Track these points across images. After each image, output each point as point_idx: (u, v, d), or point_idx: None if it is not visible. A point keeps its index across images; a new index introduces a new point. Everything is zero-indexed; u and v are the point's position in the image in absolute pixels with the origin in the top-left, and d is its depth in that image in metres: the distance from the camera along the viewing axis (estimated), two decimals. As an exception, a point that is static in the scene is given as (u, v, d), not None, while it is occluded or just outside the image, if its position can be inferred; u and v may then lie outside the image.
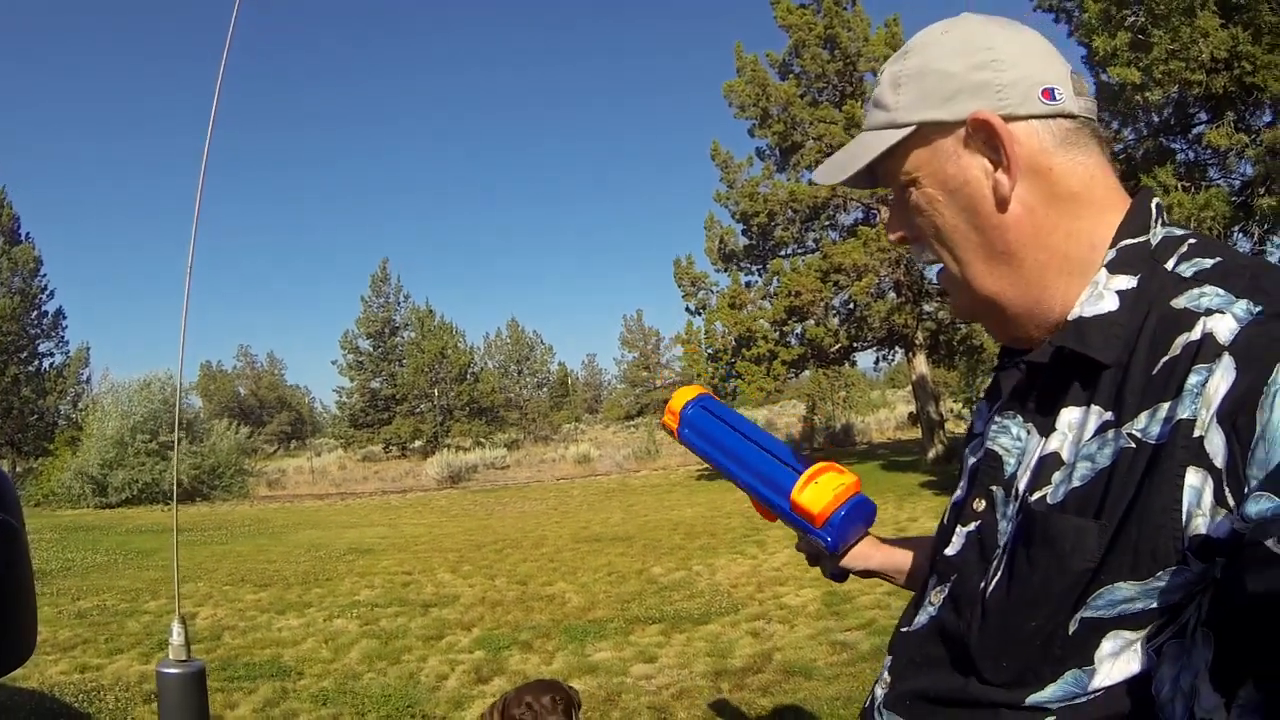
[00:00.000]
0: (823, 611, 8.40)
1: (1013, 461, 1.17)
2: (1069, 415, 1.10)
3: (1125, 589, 0.99)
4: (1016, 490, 1.14)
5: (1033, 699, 1.06)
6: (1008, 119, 1.12)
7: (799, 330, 21.11)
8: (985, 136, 1.13)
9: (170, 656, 1.28)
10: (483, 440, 48.13)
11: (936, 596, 1.24)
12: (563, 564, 12.29)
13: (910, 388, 23.02)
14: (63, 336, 38.50)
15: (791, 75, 22.04)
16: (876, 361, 23.58)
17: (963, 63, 1.15)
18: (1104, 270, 1.11)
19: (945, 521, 1.29)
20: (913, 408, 22.68)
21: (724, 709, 6.13)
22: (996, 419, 1.22)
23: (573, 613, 9.34)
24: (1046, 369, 1.13)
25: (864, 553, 1.64)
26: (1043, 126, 1.13)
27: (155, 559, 14.34)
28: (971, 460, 1.29)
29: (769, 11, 21.87)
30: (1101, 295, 1.10)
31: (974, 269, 1.16)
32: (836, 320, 21.49)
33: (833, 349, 21.10)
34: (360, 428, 51.88)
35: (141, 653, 8.42)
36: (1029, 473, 1.13)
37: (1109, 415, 1.04)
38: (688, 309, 23.41)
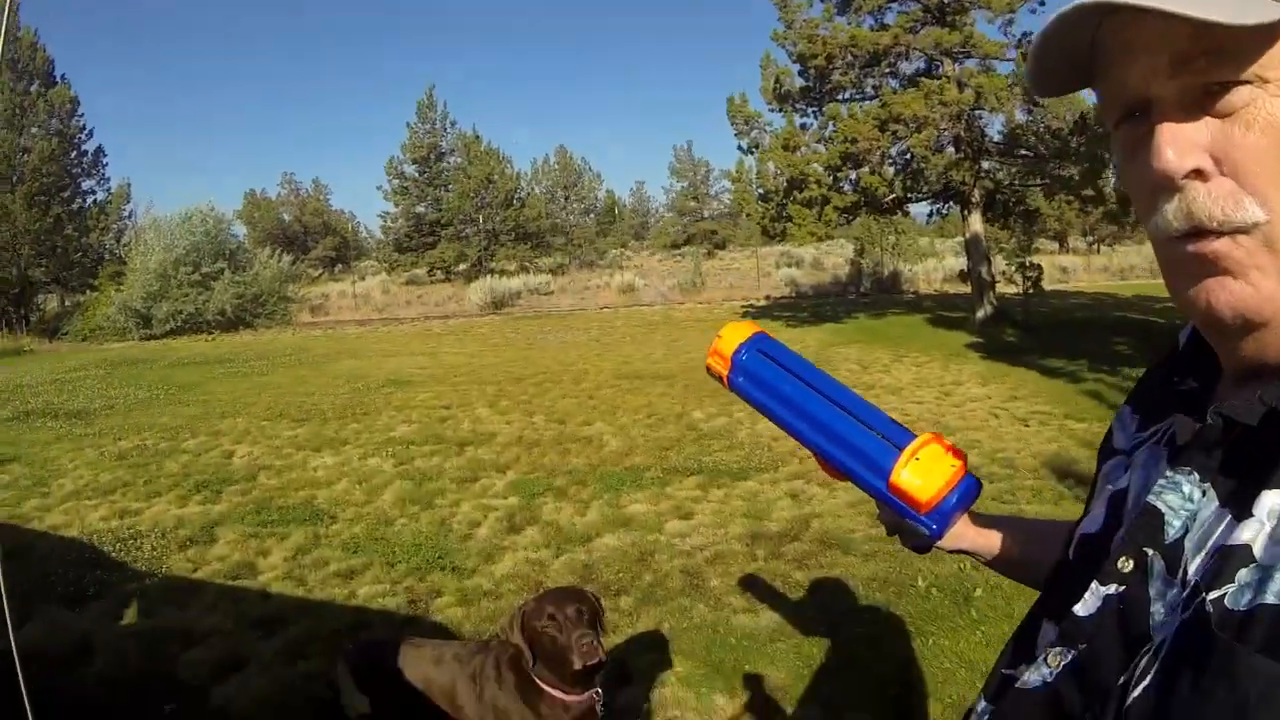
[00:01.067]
0: (865, 479, 8.22)
1: (1177, 524, 0.90)
2: (1271, 501, 0.81)
3: None
4: (1184, 572, 0.87)
5: None
6: None
7: (853, 177, 20.59)
8: None
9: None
10: (527, 265, 48.10)
11: (1055, 659, 0.98)
12: (602, 402, 12.27)
13: (962, 241, 22.53)
14: (104, 174, 38.86)
15: (857, -88, 20.96)
16: (930, 215, 23.16)
17: None
18: None
19: (1071, 557, 1.04)
20: (963, 263, 22.21)
21: (757, 581, 6.03)
22: (1168, 473, 0.94)
23: (610, 458, 9.28)
24: (1248, 431, 0.85)
25: (957, 532, 1.38)
26: None
27: (196, 393, 14.49)
28: (1110, 488, 1.04)
29: None
30: None
31: None
32: (892, 170, 20.95)
33: (887, 199, 20.63)
34: (404, 252, 51.89)
35: (179, 495, 8.50)
36: (1204, 556, 0.85)
37: None
38: (740, 147, 22.92)
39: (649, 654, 4.98)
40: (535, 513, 7.62)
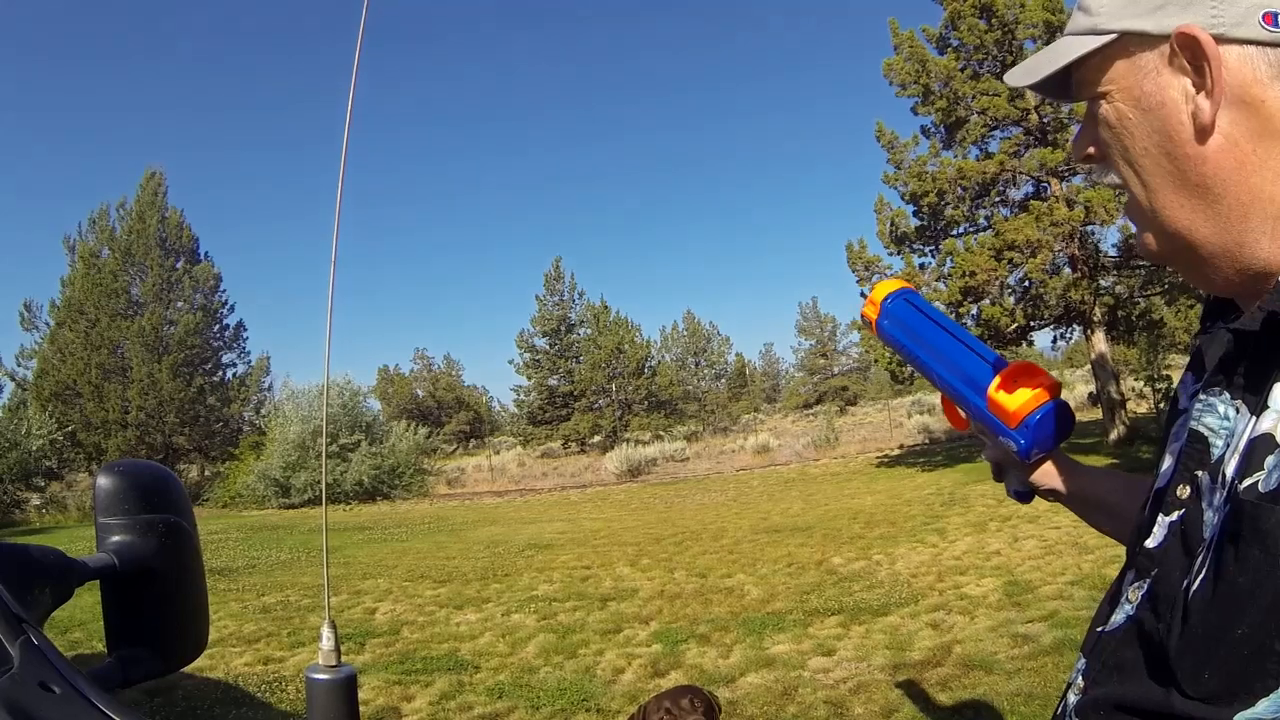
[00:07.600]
0: (1004, 602, 8.14)
1: (1220, 444, 1.01)
2: None
3: None
4: (1224, 476, 0.98)
5: (1243, 716, 0.90)
6: (1219, 39, 0.96)
7: (975, 311, 20.43)
8: (1191, 55, 0.98)
9: (320, 661, 1.25)
10: (662, 433, 48.15)
11: (1134, 594, 1.09)
12: (742, 555, 12.22)
13: (1089, 367, 22.14)
14: (244, 348, 40.99)
15: (950, 49, 21.33)
16: (1054, 340, 22.75)
17: None
18: None
19: (1146, 510, 1.14)
20: (1092, 387, 21.78)
21: (901, 704, 5.97)
22: (1202, 396, 1.07)
23: (751, 605, 9.26)
24: (1257, 337, 0.97)
25: (1053, 470, 1.50)
26: (1260, 54, 0.96)
27: (336, 556, 14.76)
28: (1174, 443, 1.13)
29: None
30: None
31: (1162, 198, 1.02)
32: (1012, 299, 20.73)
33: (1009, 329, 20.38)
34: (539, 425, 52.59)
35: (323, 646, 8.65)
36: (1237, 456, 0.96)
37: None
38: (862, 294, 22.96)
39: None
40: (679, 658, 7.63)
